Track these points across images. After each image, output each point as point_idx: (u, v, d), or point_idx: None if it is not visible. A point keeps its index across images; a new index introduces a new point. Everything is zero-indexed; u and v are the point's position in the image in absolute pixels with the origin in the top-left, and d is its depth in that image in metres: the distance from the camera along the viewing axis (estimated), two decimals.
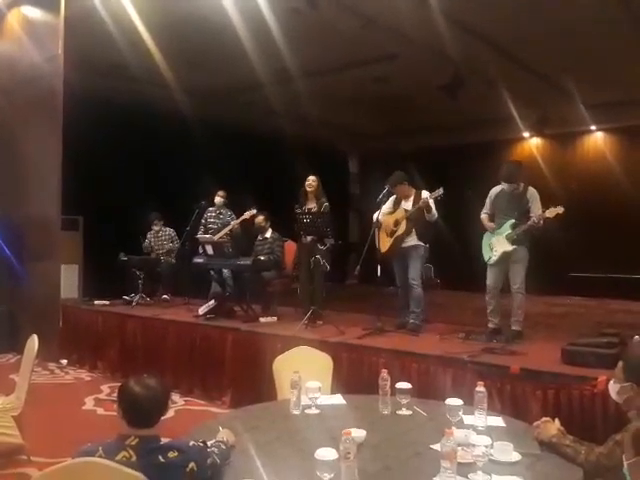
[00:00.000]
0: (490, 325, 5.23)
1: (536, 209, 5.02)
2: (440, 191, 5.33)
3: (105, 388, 5.95)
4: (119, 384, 2.21)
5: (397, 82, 8.76)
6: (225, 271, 7.18)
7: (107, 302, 7.38)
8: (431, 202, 5.37)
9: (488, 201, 5.40)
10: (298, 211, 6.08)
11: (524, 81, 8.52)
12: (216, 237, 7.06)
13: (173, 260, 7.88)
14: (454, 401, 2.66)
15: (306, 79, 8.38)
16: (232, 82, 8.81)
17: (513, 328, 5.09)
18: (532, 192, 5.14)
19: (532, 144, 11.78)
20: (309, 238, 5.90)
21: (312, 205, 6.14)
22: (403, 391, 2.87)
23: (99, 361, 6.75)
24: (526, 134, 11.64)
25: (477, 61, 7.87)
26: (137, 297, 7.39)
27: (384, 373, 2.95)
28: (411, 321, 5.45)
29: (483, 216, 5.41)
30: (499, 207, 5.26)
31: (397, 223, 5.54)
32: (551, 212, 4.86)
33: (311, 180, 6.22)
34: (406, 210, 5.54)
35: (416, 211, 5.43)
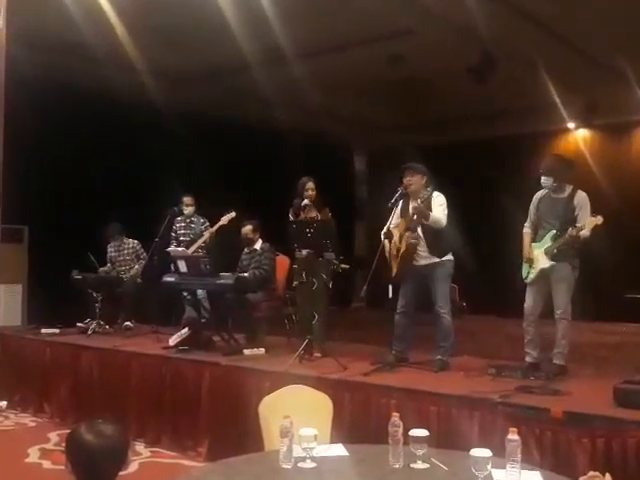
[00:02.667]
0: (527, 359, 5.22)
1: (584, 218, 5.01)
2: (436, 196, 5.33)
3: (53, 436, 5.91)
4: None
5: (414, 63, 8.83)
6: (200, 292, 7.17)
7: (57, 330, 7.35)
8: (434, 204, 5.34)
9: (532, 209, 5.40)
10: (292, 219, 6.10)
11: (569, 62, 8.59)
12: (190, 250, 7.07)
13: (138, 279, 7.88)
14: (481, 452, 2.63)
15: (303, 60, 8.45)
16: (213, 64, 8.88)
17: (555, 362, 5.08)
18: (581, 197, 5.13)
19: (578, 136, 11.85)
20: (304, 252, 5.90)
21: (313, 214, 6.21)
22: (419, 439, 2.84)
23: (46, 403, 6.71)
24: (571, 125, 11.71)
25: (511, 38, 7.93)
26: (94, 324, 7.35)
27: (395, 418, 2.93)
28: (438, 357, 5.44)
29: (525, 231, 5.41)
30: (543, 214, 5.27)
31: (401, 238, 5.50)
32: (588, 223, 4.87)
33: (310, 190, 6.26)
34: (406, 219, 5.49)
35: (416, 220, 5.38)
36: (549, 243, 5.11)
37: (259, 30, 7.25)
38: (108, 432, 2.12)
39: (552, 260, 5.07)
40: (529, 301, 5.23)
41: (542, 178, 5.21)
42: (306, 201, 6.24)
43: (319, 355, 5.78)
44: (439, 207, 5.40)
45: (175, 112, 9.06)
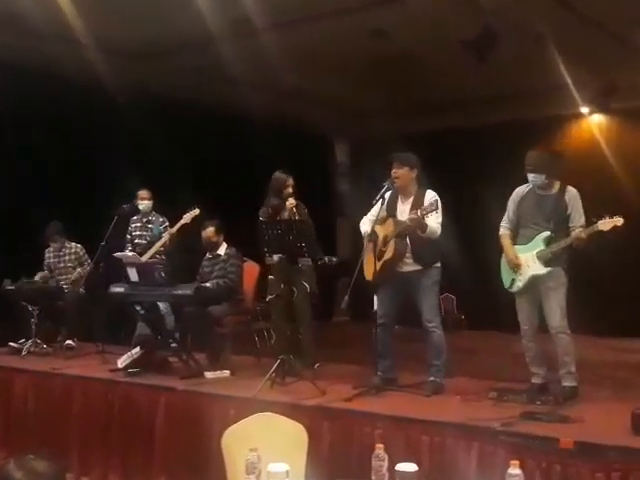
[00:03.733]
0: (534, 379, 5.30)
1: (578, 217, 5.14)
2: (433, 200, 5.31)
3: None
4: None
5: (403, 37, 8.83)
6: (162, 305, 7.18)
7: None
8: (431, 217, 5.32)
9: (511, 206, 5.47)
10: (263, 219, 6.13)
11: (583, 37, 8.64)
12: (146, 256, 7.05)
13: (81, 289, 7.84)
14: None
15: (275, 32, 8.42)
16: (171, 37, 8.82)
17: (565, 385, 5.14)
18: (572, 194, 5.24)
19: (593, 122, 11.93)
20: (276, 257, 5.92)
21: (287, 214, 6.28)
22: (406, 475, 2.85)
23: None
24: (585, 109, 11.79)
25: (515, 7, 7.97)
26: (29, 343, 7.34)
27: (379, 450, 2.96)
28: (431, 379, 5.48)
29: (503, 232, 5.48)
30: (526, 214, 5.35)
31: (386, 241, 5.53)
32: (605, 224, 4.94)
33: (291, 187, 6.36)
34: (397, 222, 5.50)
35: (408, 226, 5.40)
36: (541, 246, 5.17)
37: None
38: (40, 469, 2.11)
39: (547, 266, 5.13)
40: (522, 314, 5.31)
41: (530, 176, 5.28)
42: (292, 201, 6.26)
43: (293, 379, 5.77)
44: (434, 215, 5.36)
45: (128, 94, 9.01)
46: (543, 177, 5.25)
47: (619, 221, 4.92)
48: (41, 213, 7.98)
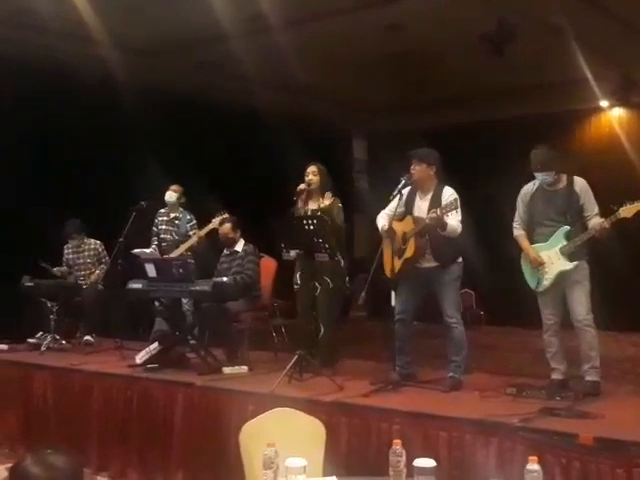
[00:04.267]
0: (554, 375, 5.28)
1: (591, 206, 5.14)
2: (452, 198, 5.31)
3: (1, 470, 5.89)
4: None
5: (419, 32, 8.82)
6: (185, 302, 7.21)
7: (5, 347, 7.38)
8: (451, 216, 5.31)
9: (520, 205, 5.46)
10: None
11: (602, 29, 8.58)
12: (174, 254, 7.09)
13: (100, 286, 7.90)
14: None
15: (289, 29, 8.43)
16: (183, 34, 8.84)
17: (589, 379, 5.12)
18: (581, 184, 5.23)
19: (613, 116, 11.87)
20: (292, 253, 5.91)
21: (315, 206, 6.29)
22: (424, 471, 2.85)
23: None
24: (604, 103, 11.73)
25: (535, 1, 7.92)
26: (48, 339, 7.37)
27: (397, 446, 2.95)
28: (450, 374, 5.47)
29: (518, 233, 5.46)
30: (538, 212, 5.33)
31: (405, 238, 5.52)
32: (628, 210, 4.90)
33: (310, 173, 6.29)
34: (416, 220, 5.48)
35: (428, 225, 5.36)
36: (563, 241, 5.14)
37: None
38: (58, 464, 2.12)
39: (572, 260, 5.11)
40: (548, 310, 5.28)
41: (539, 175, 5.25)
42: (302, 185, 6.27)
43: (309, 375, 5.75)
44: (453, 211, 5.35)
45: (138, 90, 9.04)
46: (553, 173, 5.23)
47: None
48: (46, 212, 8.04)
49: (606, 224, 4.97)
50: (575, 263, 5.11)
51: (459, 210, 5.38)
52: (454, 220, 5.35)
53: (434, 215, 5.23)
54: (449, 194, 5.42)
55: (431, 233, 5.41)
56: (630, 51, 9.32)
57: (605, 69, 9.66)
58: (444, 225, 5.28)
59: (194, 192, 8.01)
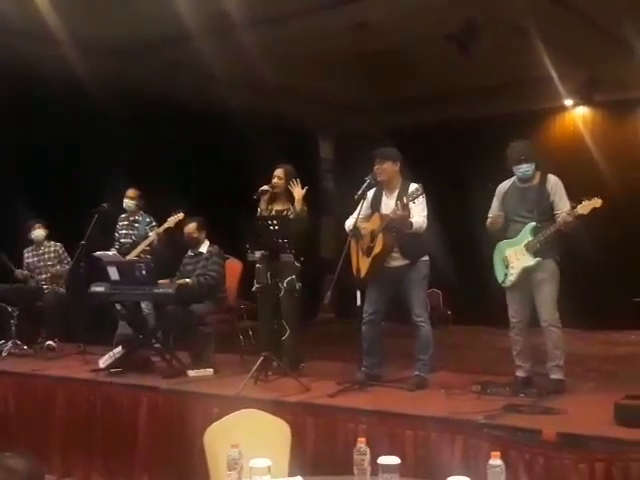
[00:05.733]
0: (518, 373, 5.36)
1: (563, 203, 5.21)
2: (415, 188, 5.38)
3: None
4: None
5: (386, 30, 8.85)
6: (144, 305, 7.19)
7: None
8: (414, 206, 5.36)
9: (495, 203, 5.56)
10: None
11: (567, 28, 8.66)
12: (131, 256, 7.06)
13: (62, 289, 7.83)
14: None
15: (255, 28, 8.42)
16: (149, 34, 8.78)
17: (553, 377, 5.20)
18: (554, 181, 5.31)
19: (577, 115, 11.96)
20: (258, 254, 5.94)
21: (280, 207, 6.33)
22: (388, 468, 2.86)
23: None
24: (568, 102, 11.81)
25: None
26: (9, 344, 7.33)
27: (361, 444, 2.96)
28: (416, 373, 5.53)
29: (487, 222, 5.53)
30: (511, 208, 5.41)
31: (373, 236, 5.57)
32: (585, 207, 5.00)
33: (276, 176, 6.35)
34: (382, 216, 5.54)
35: (393, 219, 5.42)
36: (529, 237, 5.22)
37: None
38: (17, 467, 2.12)
39: (536, 256, 5.18)
40: (514, 307, 5.36)
41: (524, 166, 5.32)
42: (265, 187, 6.30)
43: (274, 376, 5.79)
44: (417, 207, 5.42)
45: (105, 91, 8.97)
46: (533, 166, 5.31)
47: (597, 202, 4.99)
48: (21, 211, 7.97)
49: (569, 218, 5.05)
50: (538, 259, 5.17)
51: (424, 206, 5.47)
52: (419, 216, 5.42)
53: (396, 212, 5.28)
54: (414, 188, 5.47)
55: (398, 230, 5.46)
56: (595, 49, 9.39)
57: (569, 68, 9.73)
58: (409, 224, 5.34)
59: (159, 193, 7.99)
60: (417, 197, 5.29)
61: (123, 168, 8.40)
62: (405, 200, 5.26)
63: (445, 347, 7.33)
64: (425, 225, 5.48)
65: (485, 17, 8.12)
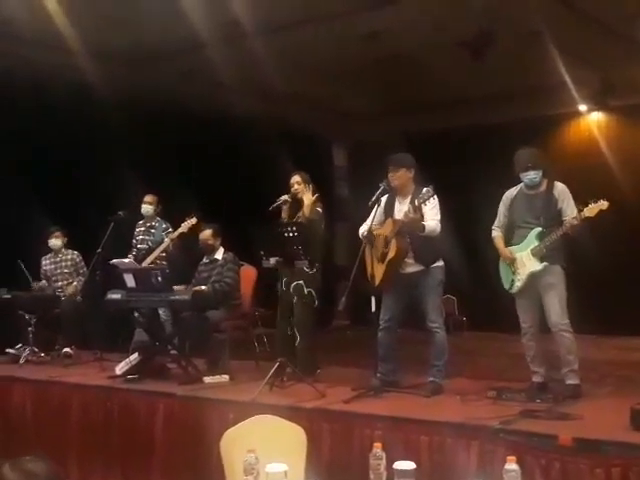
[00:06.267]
0: (535, 378, 5.36)
1: (570, 209, 5.20)
2: (426, 190, 5.37)
3: None
4: None
5: (398, 38, 8.87)
6: (161, 311, 7.22)
7: None
8: (427, 210, 5.38)
9: (502, 209, 5.56)
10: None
11: (581, 35, 8.66)
12: (146, 262, 7.10)
13: (79, 297, 7.88)
14: None
15: (268, 37, 8.46)
16: (162, 43, 8.85)
17: (569, 382, 5.19)
18: (561, 188, 5.32)
19: (591, 121, 11.92)
20: (272, 260, 5.96)
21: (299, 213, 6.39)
22: (404, 473, 2.88)
23: None
24: (583, 107, 11.79)
25: (513, 6, 7.99)
26: (26, 351, 7.35)
27: (377, 449, 2.98)
28: (430, 379, 5.53)
29: (495, 234, 5.57)
30: (518, 214, 5.42)
31: (387, 241, 5.57)
32: (591, 210, 5.00)
33: (295, 183, 6.38)
34: (395, 221, 5.55)
35: (405, 223, 5.42)
36: (535, 243, 5.22)
37: (214, 2, 7.27)
38: (37, 470, 2.13)
39: (542, 261, 5.19)
40: (523, 314, 5.38)
41: (531, 173, 5.32)
42: (285, 197, 6.33)
43: (290, 382, 5.81)
44: (431, 211, 5.43)
45: (119, 101, 9.02)
46: (541, 173, 5.31)
47: (604, 205, 4.99)
48: (39, 220, 8.04)
49: (575, 221, 5.05)
50: (545, 264, 5.18)
51: (438, 209, 5.48)
52: (432, 220, 5.43)
53: (408, 215, 5.29)
54: (425, 190, 5.45)
55: (412, 234, 5.47)
56: (608, 55, 9.39)
57: (584, 73, 9.73)
58: (421, 227, 5.35)
59: (175, 201, 8.03)
60: (428, 199, 5.30)
61: (140, 175, 8.45)
62: (417, 202, 5.28)
63: (460, 353, 7.31)
64: (439, 229, 5.48)
65: (498, 23, 8.14)
